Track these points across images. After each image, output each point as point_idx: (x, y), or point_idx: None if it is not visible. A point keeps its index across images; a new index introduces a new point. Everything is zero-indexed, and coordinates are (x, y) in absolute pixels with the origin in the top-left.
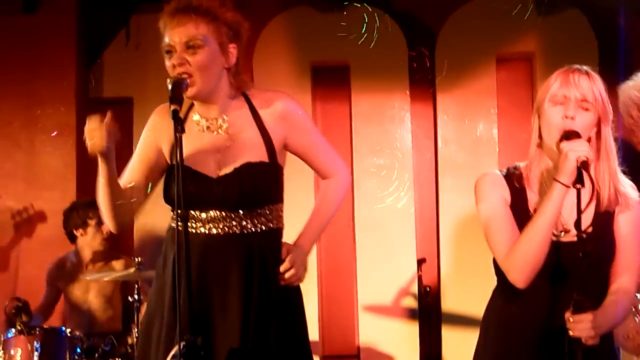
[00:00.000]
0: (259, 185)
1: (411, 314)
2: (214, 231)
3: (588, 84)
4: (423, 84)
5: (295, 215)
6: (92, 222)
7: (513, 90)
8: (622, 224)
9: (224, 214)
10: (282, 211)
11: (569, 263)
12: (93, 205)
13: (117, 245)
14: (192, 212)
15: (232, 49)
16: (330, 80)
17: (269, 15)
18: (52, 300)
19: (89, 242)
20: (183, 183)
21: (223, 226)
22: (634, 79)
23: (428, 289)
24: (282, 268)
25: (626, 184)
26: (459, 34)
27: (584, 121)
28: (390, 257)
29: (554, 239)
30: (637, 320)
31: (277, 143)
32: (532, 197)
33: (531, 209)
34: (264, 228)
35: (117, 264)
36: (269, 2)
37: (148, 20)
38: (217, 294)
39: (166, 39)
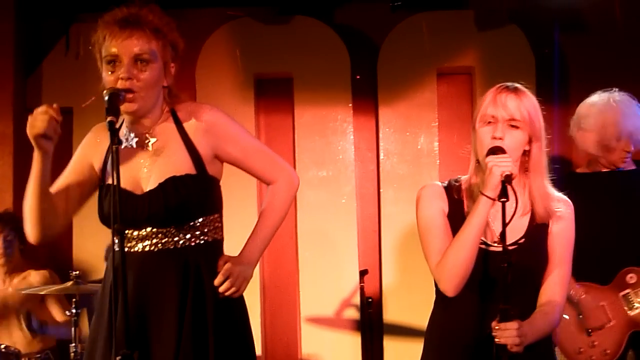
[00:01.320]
0: (185, 199)
1: (353, 325)
2: (148, 248)
3: (515, 103)
4: (366, 96)
5: (240, 225)
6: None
7: (454, 104)
8: (554, 237)
9: (155, 230)
10: (219, 222)
11: (498, 273)
12: None
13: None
14: (127, 231)
15: (172, 68)
16: (273, 92)
17: (213, 26)
18: None
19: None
20: (110, 201)
21: (157, 242)
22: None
23: (370, 300)
24: (216, 281)
25: (559, 198)
26: (401, 48)
27: (513, 140)
28: (333, 268)
29: (485, 248)
30: (589, 332)
31: (205, 155)
32: (469, 208)
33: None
34: (198, 241)
35: (35, 277)
36: (211, 13)
37: (88, 29)
38: (154, 311)
39: (112, 49)
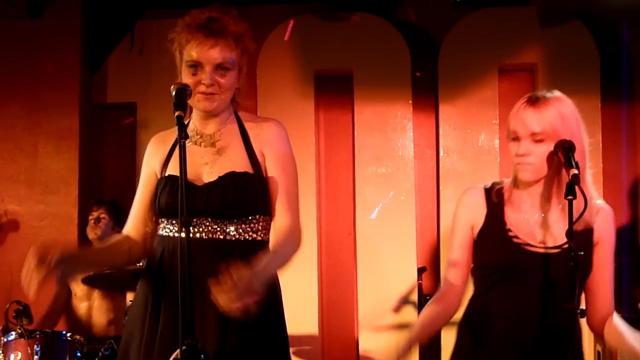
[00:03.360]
0: (243, 194)
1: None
2: (198, 235)
3: (535, 117)
4: (426, 93)
5: None
6: (89, 218)
7: (515, 101)
8: (600, 241)
9: (210, 220)
10: (270, 225)
11: (537, 272)
12: (95, 202)
13: None
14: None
15: (245, 73)
16: (333, 89)
17: (274, 23)
18: (63, 300)
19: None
20: (170, 191)
21: (207, 232)
22: None
23: (428, 298)
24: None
25: (600, 204)
26: (462, 45)
27: (539, 155)
28: (391, 265)
29: (524, 247)
30: None
31: (262, 160)
32: (509, 211)
33: (507, 223)
34: (248, 238)
35: None
36: (273, 10)
37: (152, 25)
38: (197, 298)
39: (195, 55)
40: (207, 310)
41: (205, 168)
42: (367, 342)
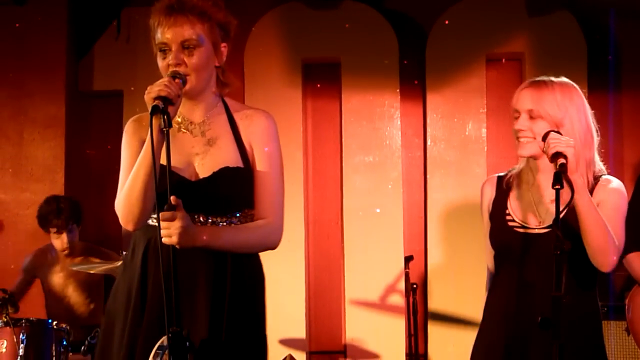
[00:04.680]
0: (236, 191)
1: (398, 311)
2: None
3: (531, 95)
4: (413, 82)
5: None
6: (52, 230)
7: (502, 90)
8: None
9: (201, 217)
10: (252, 218)
11: (539, 256)
12: (54, 214)
13: (98, 238)
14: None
15: (224, 48)
16: (321, 77)
17: (261, 11)
18: (22, 289)
19: (53, 244)
20: (162, 184)
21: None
22: None
23: (415, 286)
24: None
25: (607, 178)
26: (450, 33)
27: (535, 130)
28: (378, 253)
29: (524, 231)
30: None
31: (250, 151)
32: (512, 196)
33: (508, 207)
34: (243, 224)
35: (96, 260)
36: None
37: (139, 13)
38: (186, 291)
39: (160, 37)
40: (197, 302)
41: (197, 159)
42: (354, 330)
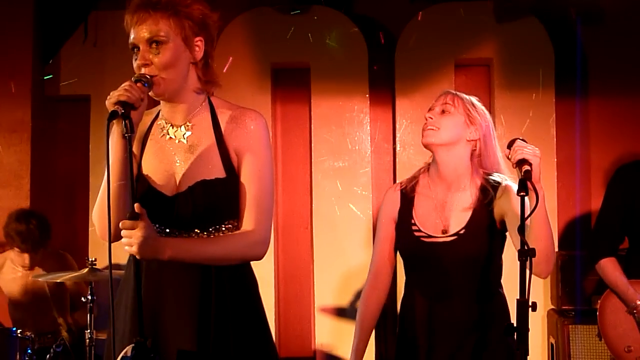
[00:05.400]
0: (215, 204)
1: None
2: None
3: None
4: (383, 87)
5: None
6: (16, 250)
7: (471, 96)
8: (504, 204)
9: (180, 232)
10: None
11: (439, 263)
12: (20, 238)
13: (61, 244)
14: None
15: (199, 42)
16: (290, 82)
17: (230, 15)
18: None
19: (15, 257)
20: (143, 200)
21: None
22: None
23: None
24: (121, 224)
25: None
26: (419, 39)
27: (443, 122)
28: (348, 259)
29: (427, 240)
30: None
31: (233, 156)
32: (417, 203)
33: (413, 217)
34: (216, 235)
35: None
36: (230, 3)
37: (107, 16)
38: (171, 307)
39: (130, 38)
40: (181, 317)
41: (178, 168)
42: (323, 336)
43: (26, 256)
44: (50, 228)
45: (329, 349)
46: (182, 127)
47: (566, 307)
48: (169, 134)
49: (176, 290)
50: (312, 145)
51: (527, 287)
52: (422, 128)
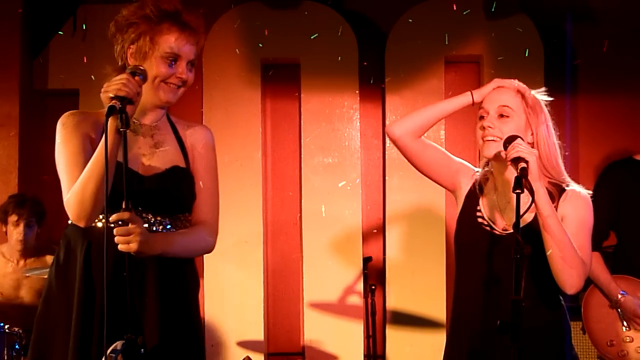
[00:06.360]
0: (185, 190)
1: (356, 312)
2: None
3: (499, 95)
4: (372, 83)
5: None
6: (10, 219)
7: (461, 92)
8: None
9: (150, 216)
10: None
11: (502, 258)
12: (15, 203)
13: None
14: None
15: None
16: (280, 78)
17: (220, 10)
18: None
19: (8, 238)
20: (115, 179)
21: (147, 226)
22: None
23: (373, 287)
24: (113, 217)
25: (573, 188)
26: (409, 35)
27: (504, 129)
28: (337, 255)
29: (490, 231)
30: (624, 328)
31: (192, 158)
32: (483, 196)
33: (480, 205)
34: (184, 229)
35: (51, 259)
36: None
37: (95, 10)
38: (134, 291)
39: (175, 49)
40: (146, 308)
41: (143, 159)
42: (312, 331)
43: (20, 229)
44: (44, 209)
45: (317, 344)
46: (150, 127)
47: None
48: (135, 131)
49: (138, 285)
50: (302, 141)
51: (521, 286)
52: (480, 136)
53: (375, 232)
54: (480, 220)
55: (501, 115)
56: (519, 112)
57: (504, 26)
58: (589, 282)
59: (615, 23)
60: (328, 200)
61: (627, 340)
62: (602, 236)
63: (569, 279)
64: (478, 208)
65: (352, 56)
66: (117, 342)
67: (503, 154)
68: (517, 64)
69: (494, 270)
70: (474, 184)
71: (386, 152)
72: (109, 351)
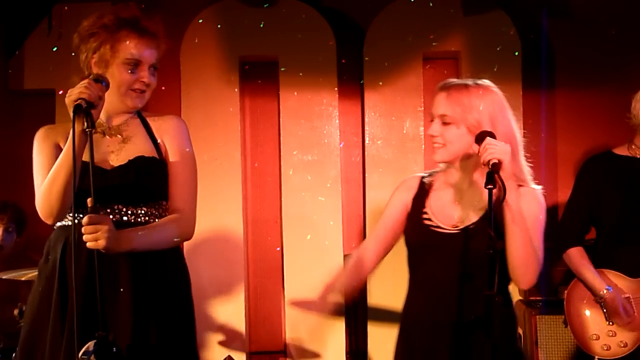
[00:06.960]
0: (154, 178)
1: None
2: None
3: (444, 100)
4: (351, 81)
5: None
6: None
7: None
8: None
9: (121, 207)
10: (167, 210)
11: (451, 254)
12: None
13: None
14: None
15: None
16: (258, 75)
17: (198, 8)
18: None
19: None
20: (80, 178)
21: (118, 218)
22: None
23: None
24: (84, 220)
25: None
26: (387, 32)
27: (448, 136)
28: (318, 253)
29: (439, 230)
30: (607, 322)
31: (164, 148)
32: (433, 196)
33: (425, 207)
34: (154, 221)
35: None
36: None
37: (71, 9)
38: (108, 286)
39: (136, 54)
40: (119, 305)
41: (112, 155)
42: (294, 330)
43: None
44: (26, 219)
45: (299, 342)
46: (119, 127)
47: (533, 298)
48: (103, 133)
49: (111, 281)
50: (281, 139)
51: (495, 280)
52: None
53: (355, 229)
54: (426, 222)
55: (444, 123)
56: (462, 116)
57: (481, 22)
58: (572, 275)
59: (591, 17)
60: (308, 197)
61: (610, 334)
62: (584, 230)
63: (526, 274)
64: (424, 210)
65: (330, 54)
66: (89, 343)
67: (476, 147)
68: (495, 59)
69: (444, 268)
70: (419, 188)
71: (366, 150)
72: (80, 353)
